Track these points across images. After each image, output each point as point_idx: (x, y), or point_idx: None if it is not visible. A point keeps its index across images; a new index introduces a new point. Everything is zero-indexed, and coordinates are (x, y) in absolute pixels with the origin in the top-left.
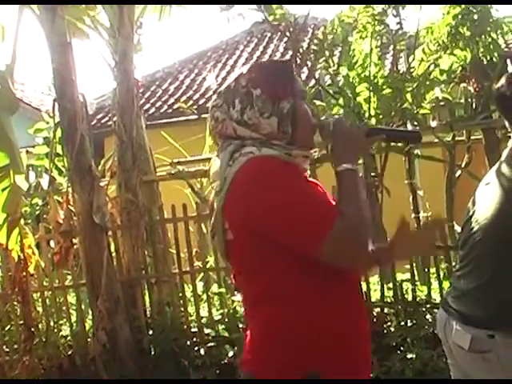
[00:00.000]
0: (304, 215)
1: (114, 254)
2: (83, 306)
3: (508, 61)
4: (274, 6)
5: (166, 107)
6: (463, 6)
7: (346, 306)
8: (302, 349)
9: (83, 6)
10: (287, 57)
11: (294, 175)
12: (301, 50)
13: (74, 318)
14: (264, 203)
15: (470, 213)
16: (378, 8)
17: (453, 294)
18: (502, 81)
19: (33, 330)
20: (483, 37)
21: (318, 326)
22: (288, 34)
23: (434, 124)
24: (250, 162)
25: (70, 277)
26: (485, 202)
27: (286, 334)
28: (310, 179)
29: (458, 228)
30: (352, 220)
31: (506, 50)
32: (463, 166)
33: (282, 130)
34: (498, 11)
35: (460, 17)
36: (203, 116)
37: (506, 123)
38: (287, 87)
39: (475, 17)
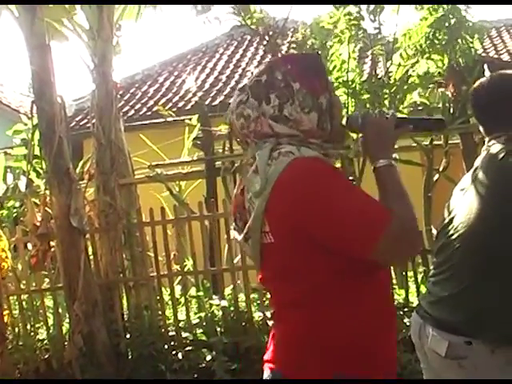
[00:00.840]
0: (356, 216)
1: (91, 257)
2: (60, 310)
3: (485, 66)
4: (252, 9)
5: (145, 109)
6: (440, 11)
7: (379, 308)
8: (334, 351)
9: (62, 7)
10: (266, 60)
11: (339, 175)
12: (279, 55)
13: (50, 322)
14: (315, 205)
15: (447, 220)
16: (356, 13)
17: (428, 300)
18: (476, 85)
19: (5, 333)
20: (460, 42)
21: (353, 329)
22: (267, 37)
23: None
24: (293, 163)
25: (47, 280)
26: (462, 209)
27: (321, 336)
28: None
29: (435, 231)
30: (404, 218)
31: (483, 54)
32: (441, 170)
33: (322, 127)
34: (473, 17)
35: (437, 22)
36: (182, 118)
37: (481, 128)
38: (323, 81)
39: (452, 22)
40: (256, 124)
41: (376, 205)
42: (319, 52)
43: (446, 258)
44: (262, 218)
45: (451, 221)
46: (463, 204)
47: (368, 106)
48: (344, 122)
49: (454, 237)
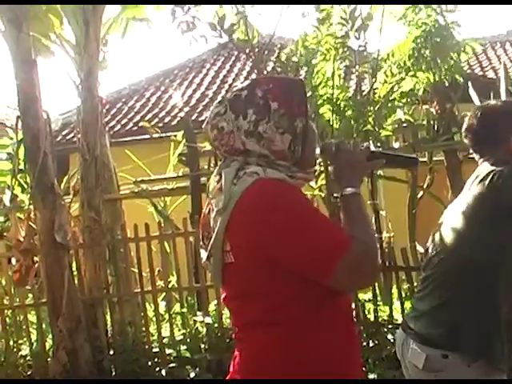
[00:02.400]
0: (316, 239)
1: (75, 273)
2: (44, 325)
3: (469, 83)
4: (238, 25)
5: (131, 124)
6: (424, 27)
7: (339, 331)
8: (294, 370)
9: (49, 22)
10: (252, 76)
11: (302, 198)
12: (265, 72)
13: (34, 338)
14: (274, 226)
15: (436, 235)
16: (341, 31)
17: (412, 315)
18: (471, 115)
19: None
20: (445, 59)
21: (311, 350)
22: (253, 55)
23: (396, 145)
24: (257, 183)
25: (30, 295)
26: (446, 226)
27: (279, 357)
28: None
29: (420, 248)
30: (363, 245)
31: (468, 71)
32: (425, 186)
33: (293, 150)
34: (461, 34)
35: (422, 39)
36: (167, 134)
37: (476, 156)
38: (302, 106)
39: (437, 39)
40: (229, 138)
41: (336, 231)
42: (305, 70)
43: (429, 272)
44: (223, 237)
45: (437, 237)
46: (448, 221)
47: (352, 122)
48: (318, 148)
49: (436, 251)
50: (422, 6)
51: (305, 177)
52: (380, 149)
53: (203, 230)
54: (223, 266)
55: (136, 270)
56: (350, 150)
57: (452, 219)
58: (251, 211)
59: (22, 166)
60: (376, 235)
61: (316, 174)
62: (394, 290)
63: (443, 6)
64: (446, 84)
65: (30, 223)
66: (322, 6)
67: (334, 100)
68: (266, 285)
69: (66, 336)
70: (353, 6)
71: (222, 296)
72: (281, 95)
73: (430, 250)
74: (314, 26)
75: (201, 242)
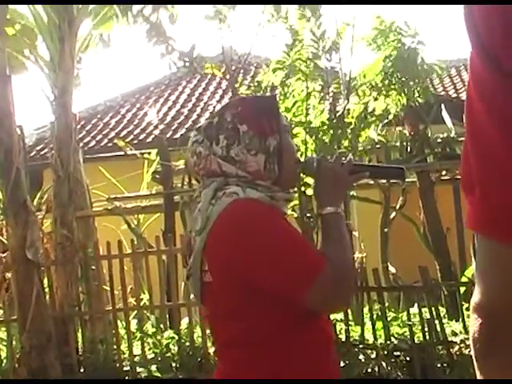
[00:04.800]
0: (290, 261)
1: (47, 290)
2: (14, 342)
3: (442, 105)
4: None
5: (106, 141)
6: (393, 48)
7: (316, 351)
8: None
9: (24, 38)
10: (228, 95)
11: (278, 220)
12: (239, 92)
13: (4, 354)
14: (249, 248)
15: None
16: (311, 52)
17: None
18: None
19: None
20: (417, 81)
21: (286, 370)
22: (228, 76)
23: None
24: (234, 204)
25: (1, 311)
26: None
27: (253, 377)
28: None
29: (392, 268)
30: (339, 266)
31: (442, 93)
32: (398, 207)
33: (269, 169)
34: (429, 56)
35: (391, 60)
36: (141, 152)
37: None
38: (273, 123)
39: (405, 61)
40: (206, 161)
41: (312, 252)
42: (276, 90)
43: None
44: (201, 256)
45: None
46: None
47: (327, 143)
48: (300, 165)
49: None
50: (389, 30)
51: (285, 196)
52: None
53: (186, 249)
54: (202, 285)
55: (108, 288)
56: (331, 164)
57: None
58: (226, 232)
59: None
60: (353, 256)
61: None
62: (366, 311)
63: (408, 31)
64: (418, 105)
65: (2, 239)
66: (296, 27)
67: (308, 121)
68: (240, 305)
69: (34, 353)
70: (322, 28)
71: (203, 315)
72: (249, 117)
73: None
74: (285, 48)
75: (184, 261)
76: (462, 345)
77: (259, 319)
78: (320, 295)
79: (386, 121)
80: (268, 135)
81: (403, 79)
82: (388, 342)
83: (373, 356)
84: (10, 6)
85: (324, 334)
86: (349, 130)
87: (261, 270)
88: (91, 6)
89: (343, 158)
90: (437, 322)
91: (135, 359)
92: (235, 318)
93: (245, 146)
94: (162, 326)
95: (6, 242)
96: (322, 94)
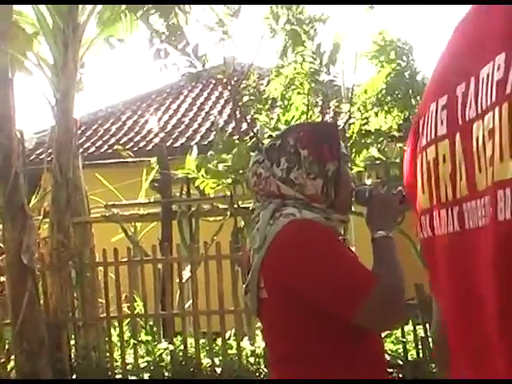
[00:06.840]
0: (342, 280)
1: (42, 295)
2: (7, 346)
3: None
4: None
5: (106, 147)
6: (394, 65)
7: (369, 369)
8: None
9: (27, 40)
10: (230, 105)
11: (332, 240)
12: (240, 104)
13: None
14: (304, 267)
15: None
16: (314, 65)
17: None
18: None
19: None
20: (418, 98)
21: None
22: (229, 85)
23: (368, 182)
24: (290, 224)
25: None
26: None
27: None
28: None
29: None
30: (389, 286)
31: None
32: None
33: (326, 193)
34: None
35: (392, 77)
36: (141, 160)
37: None
38: (333, 150)
39: (406, 76)
40: (266, 182)
41: (363, 271)
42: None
43: None
44: (258, 274)
45: None
46: None
47: None
48: (353, 195)
49: None
50: (390, 47)
51: (340, 218)
52: None
53: (245, 266)
54: (259, 301)
55: (103, 295)
56: (382, 194)
57: None
58: (282, 251)
59: None
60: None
61: None
62: None
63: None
64: None
65: None
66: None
67: None
68: (294, 322)
69: (26, 358)
70: (318, 42)
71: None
72: (310, 142)
73: None
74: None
75: (244, 278)
76: None
77: (311, 338)
78: (369, 313)
79: (384, 137)
80: (327, 160)
81: (404, 96)
82: None
83: None
84: (15, 9)
85: (374, 352)
86: (349, 145)
87: (312, 287)
88: (96, 10)
89: (394, 189)
90: (430, 339)
91: (127, 367)
92: (287, 335)
93: (305, 170)
94: (155, 335)
95: (2, 245)
96: (323, 108)
